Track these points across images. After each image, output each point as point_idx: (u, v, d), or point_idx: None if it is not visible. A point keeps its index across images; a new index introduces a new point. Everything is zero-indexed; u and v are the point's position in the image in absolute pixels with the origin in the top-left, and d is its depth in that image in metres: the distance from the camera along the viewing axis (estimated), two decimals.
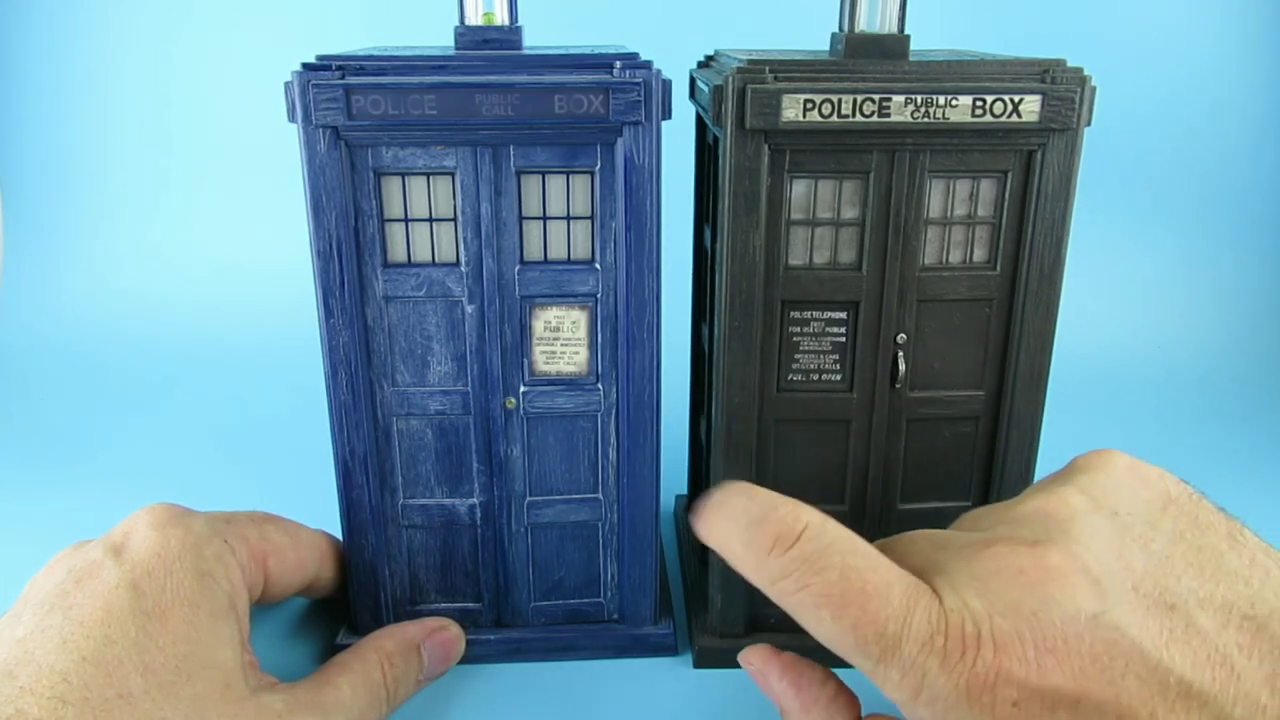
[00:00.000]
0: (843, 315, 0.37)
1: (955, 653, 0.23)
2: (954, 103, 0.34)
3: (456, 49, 0.37)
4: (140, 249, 0.82)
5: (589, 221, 0.35)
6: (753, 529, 0.27)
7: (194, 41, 0.81)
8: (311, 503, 0.42)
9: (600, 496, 0.39)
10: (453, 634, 0.39)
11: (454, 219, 0.35)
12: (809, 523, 0.27)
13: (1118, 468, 0.28)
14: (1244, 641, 0.23)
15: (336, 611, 0.42)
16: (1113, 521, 0.26)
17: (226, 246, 0.82)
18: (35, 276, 0.80)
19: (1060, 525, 0.26)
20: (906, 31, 0.36)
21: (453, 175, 0.34)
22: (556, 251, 0.36)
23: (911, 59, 0.36)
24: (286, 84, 0.32)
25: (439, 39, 0.42)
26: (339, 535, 0.39)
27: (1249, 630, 0.23)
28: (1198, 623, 0.23)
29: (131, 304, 0.79)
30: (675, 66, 0.37)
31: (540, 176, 0.35)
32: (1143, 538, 0.26)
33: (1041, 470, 0.39)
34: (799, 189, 0.35)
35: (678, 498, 0.52)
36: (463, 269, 0.35)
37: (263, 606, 0.40)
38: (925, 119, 0.34)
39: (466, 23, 0.37)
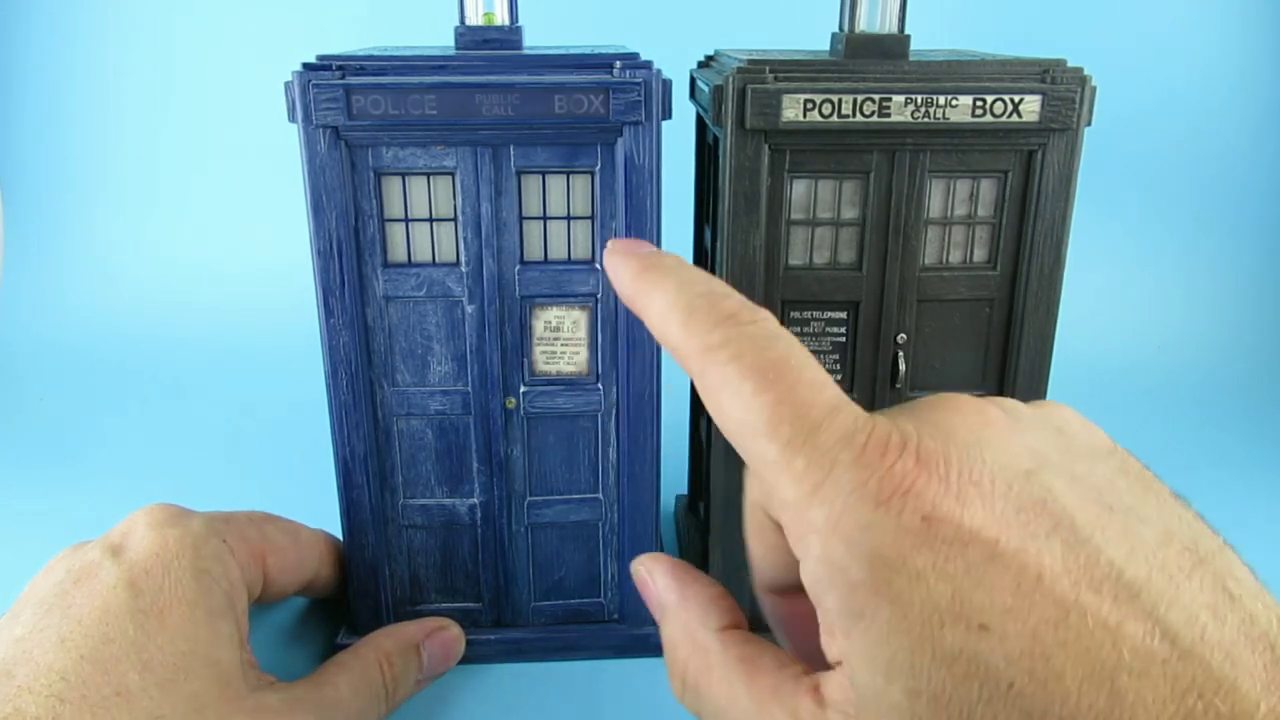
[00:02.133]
0: (843, 315, 0.37)
1: (875, 451, 0.21)
2: (954, 103, 0.34)
3: (457, 49, 0.37)
4: (139, 249, 0.82)
5: (589, 221, 0.35)
6: (707, 298, 0.24)
7: (194, 41, 0.81)
8: (311, 503, 0.42)
9: (600, 496, 0.39)
10: (453, 634, 0.39)
11: (454, 219, 0.35)
12: (769, 316, 0.24)
13: (1071, 412, 0.26)
14: (1184, 565, 0.20)
15: (336, 611, 0.42)
16: (1060, 434, 0.24)
17: (226, 246, 0.82)
18: (35, 276, 0.80)
19: (1011, 407, 0.25)
20: (906, 31, 0.36)
21: (453, 175, 0.34)
22: (557, 251, 0.36)
23: (911, 59, 0.36)
24: (287, 84, 0.32)
25: (439, 39, 0.42)
26: (339, 535, 0.39)
27: (1190, 559, 0.21)
28: (1136, 529, 0.21)
29: (131, 304, 0.79)
30: (675, 66, 0.37)
31: (540, 176, 0.35)
32: (1088, 459, 0.23)
33: None
34: (799, 189, 0.35)
35: (678, 497, 0.52)
36: (463, 269, 0.35)
37: (262, 606, 0.40)
38: (925, 119, 0.34)
39: (467, 23, 0.37)
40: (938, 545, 0.19)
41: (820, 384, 0.22)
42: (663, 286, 0.25)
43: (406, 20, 0.64)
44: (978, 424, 0.22)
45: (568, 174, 0.35)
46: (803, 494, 0.21)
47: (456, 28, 0.37)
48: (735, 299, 0.24)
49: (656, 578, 0.27)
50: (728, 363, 0.23)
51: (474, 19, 0.37)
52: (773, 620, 0.27)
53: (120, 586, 0.30)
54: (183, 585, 0.31)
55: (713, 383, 0.23)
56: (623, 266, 0.26)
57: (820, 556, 0.21)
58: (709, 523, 0.40)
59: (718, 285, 0.24)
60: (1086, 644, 0.18)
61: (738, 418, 0.22)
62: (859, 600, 0.20)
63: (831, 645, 0.21)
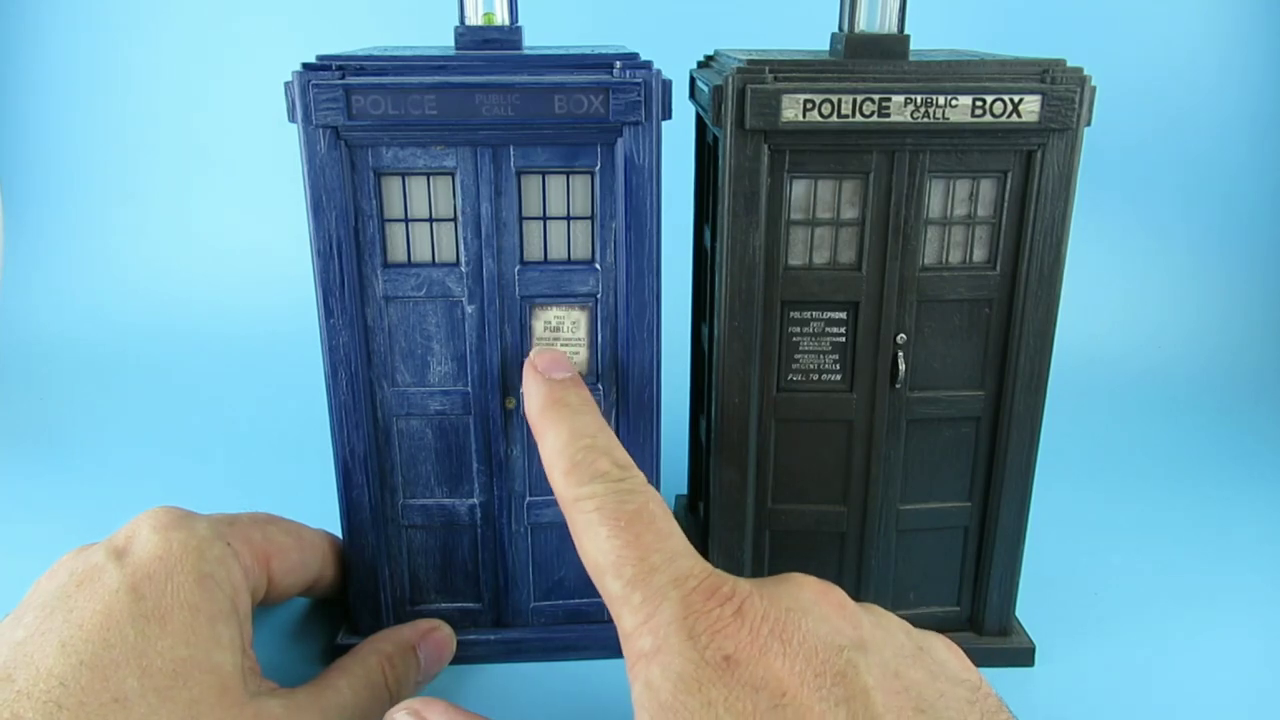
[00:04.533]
0: (842, 315, 0.37)
1: (700, 595, 0.24)
2: (954, 103, 0.34)
3: (456, 49, 0.37)
4: (139, 249, 0.82)
5: (589, 222, 0.35)
6: (588, 453, 0.28)
7: (195, 41, 0.81)
8: (311, 503, 0.42)
9: None
10: (445, 634, 0.39)
11: (454, 219, 0.35)
12: (638, 475, 0.28)
13: (955, 649, 0.29)
14: None
15: (336, 612, 0.42)
16: (916, 650, 0.27)
17: (226, 246, 0.82)
18: (36, 277, 0.80)
19: (875, 609, 0.28)
20: (906, 31, 0.36)
21: (453, 175, 0.34)
22: (556, 252, 0.36)
23: (911, 59, 0.36)
24: (286, 84, 0.32)
25: (439, 39, 0.42)
26: (339, 535, 0.39)
27: None
28: None
29: (130, 303, 0.79)
30: (675, 66, 0.37)
31: (540, 176, 0.35)
32: (932, 674, 0.26)
33: (1042, 470, 0.39)
34: (799, 189, 0.35)
35: (678, 497, 0.52)
36: (463, 269, 0.35)
37: (264, 607, 0.40)
38: (925, 119, 0.34)
39: (467, 23, 0.37)
40: (733, 684, 0.22)
41: (666, 534, 0.26)
42: (557, 430, 0.29)
43: (406, 20, 0.64)
44: (813, 598, 0.26)
45: (568, 174, 0.35)
46: (636, 624, 0.24)
47: (456, 28, 0.37)
48: (612, 459, 0.28)
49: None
50: (591, 511, 0.27)
51: (474, 19, 0.37)
52: None
53: (123, 591, 0.30)
54: (186, 590, 0.31)
55: (578, 527, 0.27)
56: (534, 392, 0.31)
57: (642, 679, 0.24)
58: (709, 523, 0.40)
59: (603, 439, 0.29)
60: None
61: (593, 558, 0.26)
62: (664, 718, 0.23)
63: None
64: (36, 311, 0.78)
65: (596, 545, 0.26)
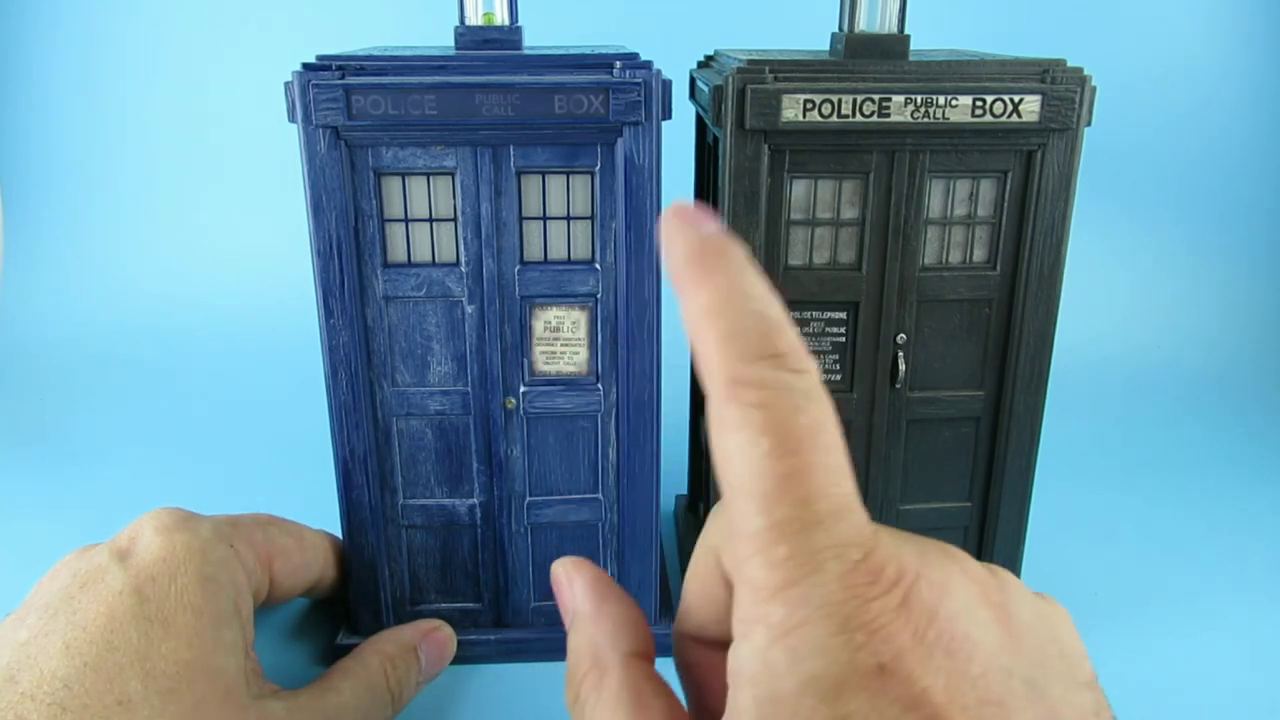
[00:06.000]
0: (843, 315, 0.37)
1: (863, 575, 0.19)
2: (954, 103, 0.34)
3: (456, 49, 0.37)
4: (139, 250, 0.82)
5: (589, 222, 0.35)
6: (758, 321, 0.21)
7: (195, 41, 0.81)
8: (311, 503, 0.42)
9: (600, 496, 0.39)
10: (445, 634, 0.39)
11: (454, 219, 0.35)
12: (816, 371, 0.21)
13: (1072, 626, 0.25)
14: None
15: (336, 612, 0.42)
16: (1052, 645, 0.23)
17: (226, 247, 0.82)
18: (35, 277, 0.80)
19: (1016, 594, 0.24)
20: (906, 31, 0.36)
21: (453, 175, 0.34)
22: (556, 252, 0.36)
23: (911, 59, 0.36)
24: (287, 84, 0.32)
25: (439, 39, 0.42)
26: (339, 535, 0.39)
27: None
28: None
29: (131, 304, 0.79)
30: (675, 66, 0.37)
31: (540, 176, 0.35)
32: (1067, 684, 0.23)
33: (1042, 470, 0.39)
34: (799, 189, 0.35)
35: (678, 497, 0.52)
36: (463, 269, 0.35)
37: (265, 608, 0.40)
38: (925, 119, 0.34)
39: (466, 23, 0.37)
40: (880, 697, 0.19)
41: (839, 475, 0.20)
42: (715, 284, 0.22)
43: (406, 20, 0.64)
44: (979, 598, 0.21)
45: (568, 174, 0.35)
46: (773, 583, 0.19)
47: (456, 28, 0.37)
48: (789, 336, 0.21)
49: (576, 584, 0.26)
50: (753, 406, 0.20)
51: (474, 19, 0.37)
52: (680, 664, 0.26)
53: (126, 592, 0.30)
54: (189, 592, 0.31)
55: (729, 421, 0.21)
56: (678, 240, 0.22)
57: (759, 651, 0.19)
58: None
59: (775, 309, 0.22)
60: None
61: (737, 471, 0.20)
62: (772, 709, 0.19)
63: None
64: (36, 312, 0.78)
65: (748, 459, 0.20)
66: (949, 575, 0.21)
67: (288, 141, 0.34)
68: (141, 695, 0.28)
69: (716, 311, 0.21)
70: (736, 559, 0.20)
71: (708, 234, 0.23)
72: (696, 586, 0.24)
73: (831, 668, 0.19)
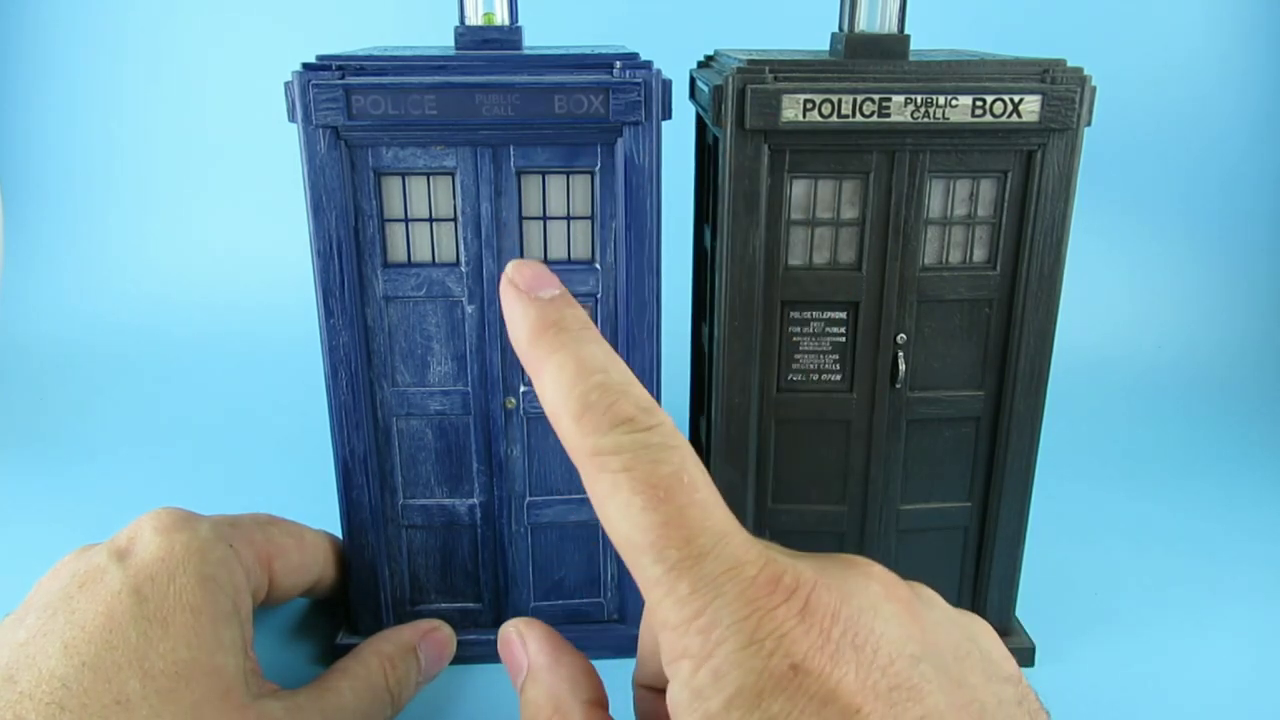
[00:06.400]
0: (843, 315, 0.37)
1: (762, 589, 0.21)
2: (954, 103, 0.34)
3: (456, 49, 0.37)
4: (139, 250, 0.82)
5: (589, 221, 0.35)
6: (603, 393, 0.23)
7: (195, 41, 0.81)
8: (311, 503, 0.42)
9: None
10: (445, 634, 0.39)
11: (454, 219, 0.35)
12: (666, 421, 0.23)
13: (992, 632, 0.27)
14: None
15: (335, 613, 0.42)
16: (969, 643, 0.24)
17: (226, 247, 0.82)
18: (35, 278, 0.80)
19: (928, 598, 0.26)
20: (906, 31, 0.36)
21: (453, 175, 0.34)
22: (556, 251, 0.36)
23: (911, 59, 0.36)
24: (286, 84, 0.32)
25: (438, 39, 0.42)
26: (339, 535, 0.39)
27: None
28: None
29: (131, 304, 0.79)
30: (675, 66, 0.37)
31: (540, 176, 0.35)
32: (986, 675, 0.24)
33: (1042, 470, 0.39)
34: (799, 189, 0.35)
35: None
36: (463, 269, 0.35)
37: (264, 608, 0.40)
38: (925, 119, 0.34)
39: (466, 23, 0.37)
40: (798, 696, 0.20)
41: (711, 506, 0.22)
42: (557, 363, 0.23)
43: (406, 20, 0.64)
44: (881, 595, 0.22)
45: (568, 174, 0.35)
46: (683, 618, 0.21)
47: (456, 28, 0.37)
48: (633, 399, 0.23)
49: (529, 640, 0.27)
50: (618, 472, 0.22)
51: (474, 19, 0.37)
52: (639, 713, 0.27)
53: (125, 592, 0.30)
54: (188, 592, 0.31)
55: (601, 491, 0.22)
56: (518, 315, 0.24)
57: (686, 681, 0.21)
58: None
59: (616, 373, 0.23)
60: None
61: (624, 534, 0.22)
62: None
63: None
64: (36, 312, 0.78)
65: (628, 518, 0.21)
66: (848, 579, 0.22)
67: (287, 141, 0.34)
68: (140, 694, 0.28)
69: (565, 391, 0.23)
70: (651, 608, 0.22)
71: (545, 305, 0.24)
72: (646, 639, 0.26)
73: (749, 678, 0.20)
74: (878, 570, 0.24)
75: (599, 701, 0.25)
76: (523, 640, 0.27)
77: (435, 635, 0.38)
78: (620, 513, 0.22)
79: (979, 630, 0.25)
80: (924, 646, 0.22)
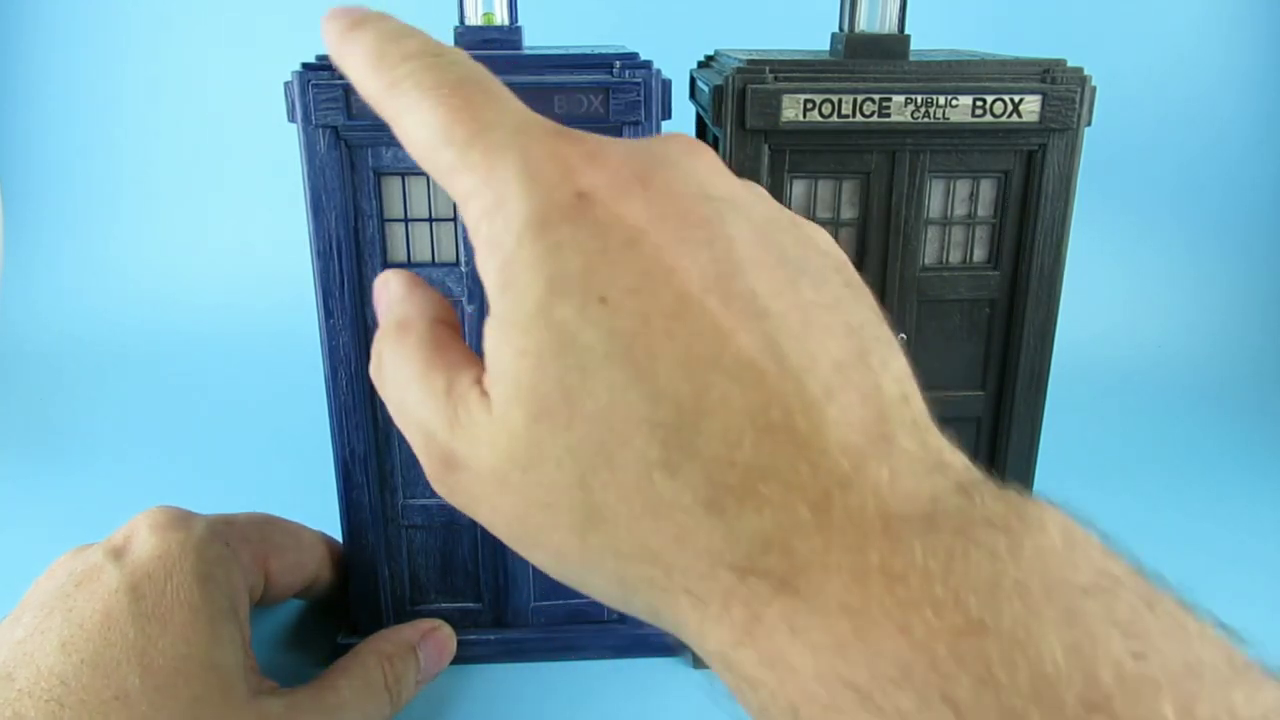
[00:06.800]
0: None
1: (548, 137, 0.21)
2: (954, 103, 0.34)
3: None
4: (138, 249, 0.82)
5: None
6: (395, 41, 0.23)
7: (194, 40, 0.81)
8: (310, 503, 0.42)
9: None
10: (445, 634, 0.39)
11: (454, 219, 0.35)
12: (459, 50, 0.23)
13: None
14: (830, 325, 0.20)
15: (335, 614, 0.42)
16: (781, 214, 0.23)
17: (226, 247, 0.82)
18: (35, 277, 0.80)
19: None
20: (906, 31, 0.36)
21: None
22: None
23: (911, 59, 0.36)
24: (286, 84, 0.32)
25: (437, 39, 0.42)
26: (338, 535, 0.39)
27: (843, 328, 0.20)
28: (799, 285, 0.20)
29: (129, 304, 0.79)
30: (675, 66, 0.37)
31: None
32: (795, 237, 0.22)
33: (1042, 471, 0.39)
34: (799, 189, 0.35)
35: None
36: (463, 269, 0.35)
37: (260, 609, 0.40)
38: (925, 119, 0.34)
39: (466, 23, 0.37)
40: (582, 222, 0.20)
41: (502, 96, 0.22)
42: (361, 41, 0.23)
43: (405, 20, 0.64)
44: (681, 150, 0.22)
45: None
46: (475, 182, 0.21)
47: (456, 28, 0.37)
48: (420, 38, 0.23)
49: (391, 285, 0.26)
50: (410, 90, 0.22)
51: (473, 19, 0.37)
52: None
53: (122, 590, 0.30)
54: (185, 589, 0.31)
55: (396, 113, 0.22)
56: (330, 31, 0.24)
57: (485, 239, 0.20)
58: None
59: (410, 29, 0.23)
60: (692, 338, 0.18)
61: (420, 137, 0.22)
62: (505, 272, 0.20)
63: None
64: (35, 312, 0.78)
65: (420, 120, 0.21)
66: (649, 141, 0.22)
67: (287, 141, 0.34)
68: (139, 690, 0.28)
69: (364, 58, 0.23)
70: (456, 198, 0.21)
71: (352, 13, 0.24)
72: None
73: (535, 208, 0.20)
74: (683, 136, 0.23)
75: (446, 320, 0.25)
76: (385, 283, 0.27)
77: (435, 635, 0.38)
78: (413, 121, 0.22)
79: (811, 227, 0.23)
80: (725, 194, 0.21)
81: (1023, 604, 0.16)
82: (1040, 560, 0.16)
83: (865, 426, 0.18)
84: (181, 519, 0.33)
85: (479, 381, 0.21)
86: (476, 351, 0.22)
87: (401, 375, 0.23)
